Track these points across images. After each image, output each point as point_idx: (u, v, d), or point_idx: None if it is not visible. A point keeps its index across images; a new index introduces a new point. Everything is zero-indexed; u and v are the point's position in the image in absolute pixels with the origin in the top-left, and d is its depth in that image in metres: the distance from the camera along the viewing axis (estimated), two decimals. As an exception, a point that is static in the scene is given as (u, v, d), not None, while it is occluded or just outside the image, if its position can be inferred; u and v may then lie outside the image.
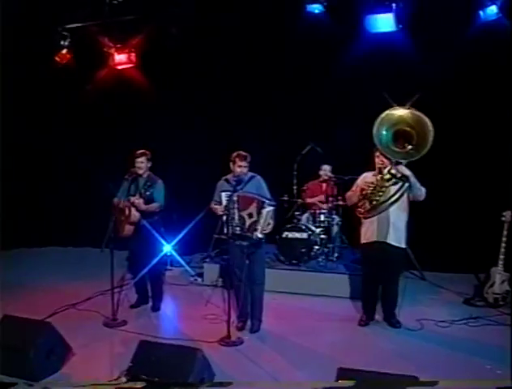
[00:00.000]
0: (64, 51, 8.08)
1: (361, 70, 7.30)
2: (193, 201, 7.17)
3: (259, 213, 4.90)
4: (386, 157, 5.01)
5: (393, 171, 4.98)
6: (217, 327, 5.28)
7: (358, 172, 6.89)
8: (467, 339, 4.96)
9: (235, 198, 4.98)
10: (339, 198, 6.96)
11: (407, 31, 7.03)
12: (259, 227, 4.90)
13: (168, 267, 7.55)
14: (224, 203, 5.10)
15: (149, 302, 6.01)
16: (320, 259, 6.73)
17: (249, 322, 5.30)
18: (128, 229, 5.65)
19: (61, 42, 8.04)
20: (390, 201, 5.01)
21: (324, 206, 7.11)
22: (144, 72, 8.26)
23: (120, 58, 8.13)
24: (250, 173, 5.21)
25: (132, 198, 5.53)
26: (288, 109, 7.82)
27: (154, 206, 5.64)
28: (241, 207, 4.96)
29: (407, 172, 4.96)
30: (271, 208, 4.96)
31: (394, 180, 4.99)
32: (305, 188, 7.39)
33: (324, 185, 7.30)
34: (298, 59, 7.64)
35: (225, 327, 5.20)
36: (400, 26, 6.93)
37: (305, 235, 6.69)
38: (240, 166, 5.08)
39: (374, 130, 4.94)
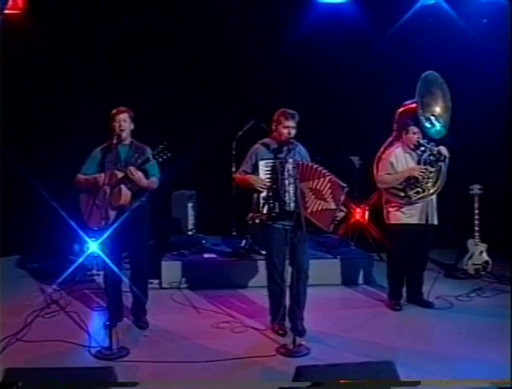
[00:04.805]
0: None
1: (307, 44, 6.73)
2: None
3: (339, 201, 3.94)
4: (423, 135, 4.70)
5: (434, 151, 4.66)
6: (249, 336, 4.23)
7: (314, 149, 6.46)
8: (504, 307, 4.75)
9: (289, 166, 3.92)
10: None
11: (357, 2, 6.76)
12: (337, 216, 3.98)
13: (95, 272, 5.81)
14: (263, 173, 4.01)
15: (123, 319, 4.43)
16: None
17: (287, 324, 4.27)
18: (111, 216, 4.04)
19: None
20: (435, 190, 4.68)
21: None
22: (36, 20, 6.21)
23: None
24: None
25: (129, 169, 3.95)
26: (227, 82, 6.79)
27: (155, 181, 4.16)
28: (302, 177, 3.92)
29: (447, 154, 4.69)
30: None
31: (436, 162, 4.68)
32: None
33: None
34: (239, 30, 6.67)
35: (257, 334, 4.27)
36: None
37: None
38: (287, 127, 4.04)
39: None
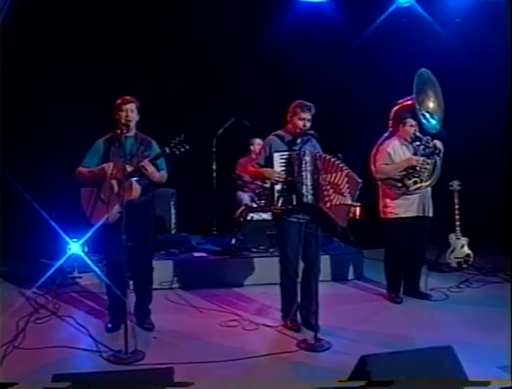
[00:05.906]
0: None
1: (288, 42, 6.71)
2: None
3: (353, 197, 3.88)
4: (420, 128, 4.77)
5: (430, 144, 4.75)
6: (263, 334, 4.11)
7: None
8: (496, 297, 4.94)
9: (307, 158, 3.85)
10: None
11: (337, 2, 6.80)
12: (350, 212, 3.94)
13: (76, 275, 5.48)
14: (278, 166, 3.92)
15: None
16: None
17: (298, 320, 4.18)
18: (116, 211, 3.80)
19: None
20: (431, 182, 4.76)
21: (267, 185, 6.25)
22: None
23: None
24: None
25: (142, 164, 3.73)
26: (208, 79, 6.66)
27: (165, 175, 3.97)
28: (323, 170, 3.85)
29: (442, 148, 4.79)
30: None
31: (432, 155, 4.75)
32: (237, 166, 6.37)
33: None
34: (220, 28, 6.55)
35: (270, 331, 4.14)
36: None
37: (273, 215, 5.74)
38: (302, 119, 3.95)
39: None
